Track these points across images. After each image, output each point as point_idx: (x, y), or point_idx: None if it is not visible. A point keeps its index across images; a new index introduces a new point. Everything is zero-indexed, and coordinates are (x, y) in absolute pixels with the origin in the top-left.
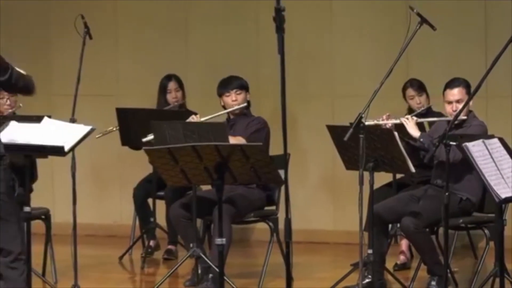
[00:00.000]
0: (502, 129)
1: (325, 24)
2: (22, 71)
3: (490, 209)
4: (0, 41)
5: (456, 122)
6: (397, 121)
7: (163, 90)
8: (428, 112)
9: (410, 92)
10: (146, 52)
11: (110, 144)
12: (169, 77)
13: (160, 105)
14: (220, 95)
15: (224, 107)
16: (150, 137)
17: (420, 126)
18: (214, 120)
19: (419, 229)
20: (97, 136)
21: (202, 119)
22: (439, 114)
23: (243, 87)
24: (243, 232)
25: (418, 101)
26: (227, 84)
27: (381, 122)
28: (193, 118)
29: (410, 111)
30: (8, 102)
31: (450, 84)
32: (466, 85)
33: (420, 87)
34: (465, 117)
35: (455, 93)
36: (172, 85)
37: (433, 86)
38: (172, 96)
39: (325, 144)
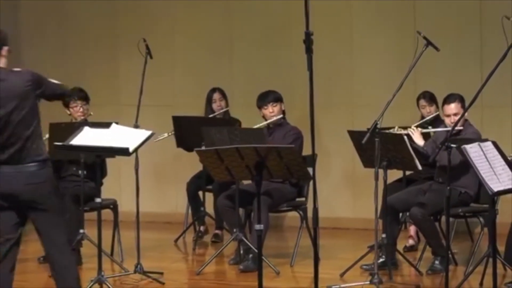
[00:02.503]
0: (496, 135)
1: (347, 46)
2: (56, 81)
3: (485, 200)
4: (77, 61)
5: (453, 132)
6: (405, 132)
7: (209, 100)
8: (436, 119)
9: (423, 102)
10: (198, 68)
11: (167, 146)
12: (213, 90)
13: (207, 113)
14: (259, 107)
15: (264, 117)
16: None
17: (425, 134)
18: None
19: (425, 217)
20: (155, 140)
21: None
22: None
23: (278, 99)
24: (278, 219)
25: (428, 110)
26: (264, 98)
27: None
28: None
29: (422, 118)
30: (81, 109)
31: (447, 100)
32: (461, 99)
33: (431, 99)
34: (461, 128)
35: (452, 107)
36: (216, 95)
37: (437, 97)
38: (217, 105)
39: (346, 146)
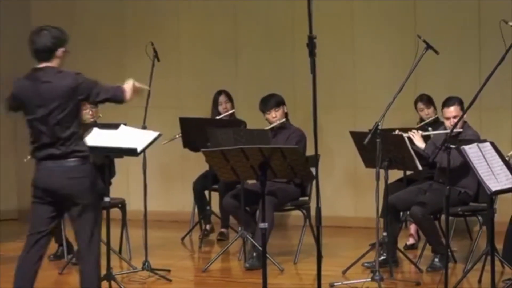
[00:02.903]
0: (494, 137)
1: (348, 47)
2: (108, 85)
3: (483, 200)
4: (85, 63)
5: (453, 134)
6: (406, 135)
7: (215, 102)
8: (435, 121)
9: (420, 105)
10: (203, 71)
11: (174, 147)
12: (219, 92)
13: (213, 115)
14: (262, 112)
15: (268, 120)
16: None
17: (426, 136)
18: None
19: (425, 216)
20: (163, 143)
21: None
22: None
23: (280, 103)
24: (282, 218)
25: (426, 113)
26: (266, 103)
27: None
28: None
29: (421, 120)
30: (90, 112)
31: (446, 103)
32: (460, 102)
33: (428, 101)
34: (460, 130)
35: (452, 110)
36: (222, 98)
37: (437, 99)
38: (223, 107)
39: (348, 146)
